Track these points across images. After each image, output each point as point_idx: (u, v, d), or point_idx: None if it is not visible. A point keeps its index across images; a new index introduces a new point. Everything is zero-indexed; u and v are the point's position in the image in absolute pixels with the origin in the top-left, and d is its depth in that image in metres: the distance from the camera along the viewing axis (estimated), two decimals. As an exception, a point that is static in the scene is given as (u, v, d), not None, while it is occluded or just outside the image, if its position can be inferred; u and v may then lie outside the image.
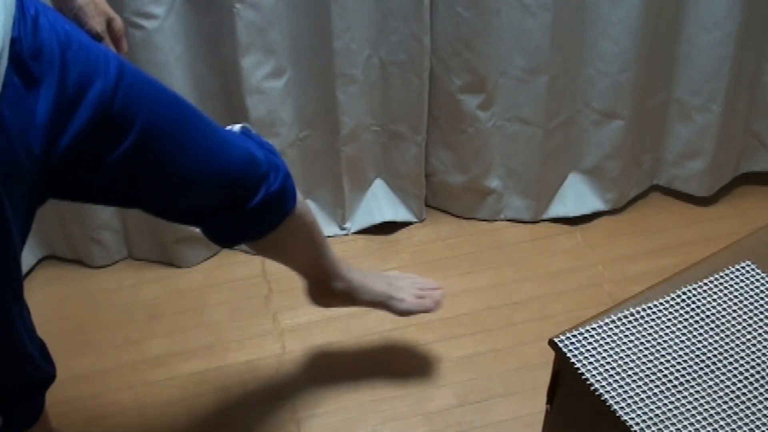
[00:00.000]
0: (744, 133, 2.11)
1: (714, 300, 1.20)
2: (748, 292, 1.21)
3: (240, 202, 1.34)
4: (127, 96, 1.15)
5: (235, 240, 1.43)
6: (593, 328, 1.16)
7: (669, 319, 1.17)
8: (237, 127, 1.38)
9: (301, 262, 1.56)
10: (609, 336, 1.15)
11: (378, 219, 2.08)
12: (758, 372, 1.10)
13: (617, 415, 1.06)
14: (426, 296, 1.67)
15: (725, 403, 1.07)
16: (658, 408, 1.06)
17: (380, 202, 2.08)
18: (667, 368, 1.11)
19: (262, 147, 1.37)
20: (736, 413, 1.06)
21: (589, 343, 1.14)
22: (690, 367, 1.11)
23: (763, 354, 1.13)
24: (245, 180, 1.32)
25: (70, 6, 1.20)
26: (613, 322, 1.17)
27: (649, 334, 1.15)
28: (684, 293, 1.20)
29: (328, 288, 1.60)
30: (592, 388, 1.09)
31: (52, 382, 1.42)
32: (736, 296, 1.20)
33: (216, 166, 1.28)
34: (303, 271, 1.59)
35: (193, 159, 1.26)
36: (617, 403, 1.07)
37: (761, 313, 1.18)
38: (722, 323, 1.17)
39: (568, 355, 1.12)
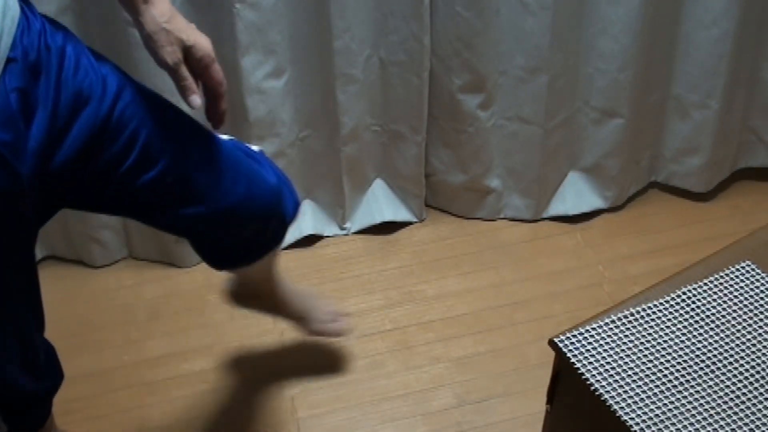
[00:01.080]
0: (741, 129, 2.11)
1: (714, 300, 1.20)
2: (748, 292, 1.21)
3: (259, 230, 1.32)
4: (124, 116, 1.12)
5: (234, 264, 1.41)
6: (593, 328, 1.16)
7: (669, 319, 1.17)
8: (255, 148, 1.35)
9: (257, 268, 1.47)
10: (609, 336, 1.15)
11: (378, 219, 2.08)
12: (758, 372, 1.10)
13: (617, 415, 1.06)
14: (336, 321, 1.73)
15: (725, 403, 1.07)
16: (658, 408, 1.06)
17: (380, 202, 2.08)
18: (667, 368, 1.11)
19: (274, 172, 1.34)
20: (736, 413, 1.06)
21: (589, 343, 1.14)
22: (690, 367, 1.11)
23: (763, 354, 1.13)
24: (264, 210, 1.30)
25: (140, 34, 1.10)
26: (613, 322, 1.17)
27: (649, 334, 1.15)
28: (684, 293, 1.21)
29: (257, 291, 1.59)
30: (592, 388, 1.09)
31: (55, 392, 1.42)
32: (736, 296, 1.20)
33: (234, 193, 1.24)
34: (244, 273, 1.51)
35: (210, 186, 1.22)
36: (617, 403, 1.07)
37: (761, 313, 1.18)
38: (722, 323, 1.17)
39: (568, 355, 1.12)
